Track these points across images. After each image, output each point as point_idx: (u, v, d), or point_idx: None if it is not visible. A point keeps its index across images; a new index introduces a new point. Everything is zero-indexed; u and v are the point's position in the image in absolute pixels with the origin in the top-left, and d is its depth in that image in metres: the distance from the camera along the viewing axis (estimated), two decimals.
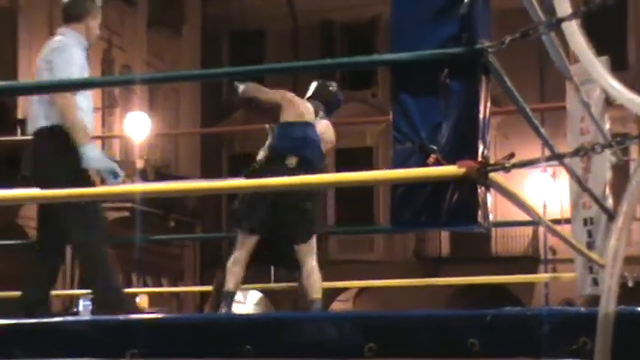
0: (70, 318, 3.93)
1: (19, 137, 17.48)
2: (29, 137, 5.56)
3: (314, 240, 6.25)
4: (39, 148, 5.45)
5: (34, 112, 5.47)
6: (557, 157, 3.64)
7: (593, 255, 4.63)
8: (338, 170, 24.53)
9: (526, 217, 3.67)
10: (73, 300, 20.63)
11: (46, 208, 5.51)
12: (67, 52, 5.42)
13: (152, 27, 24.91)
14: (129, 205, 21.19)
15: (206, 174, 25.23)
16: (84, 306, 20.34)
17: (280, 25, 28.86)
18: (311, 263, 6.20)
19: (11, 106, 18.66)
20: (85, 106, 5.42)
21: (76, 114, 5.30)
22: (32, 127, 5.51)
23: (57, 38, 5.58)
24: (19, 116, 18.93)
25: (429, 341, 2.86)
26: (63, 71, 5.31)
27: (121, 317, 3.70)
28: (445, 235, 27.62)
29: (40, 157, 5.44)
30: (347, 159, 25.15)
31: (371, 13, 28.70)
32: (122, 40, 23.87)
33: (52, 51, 5.47)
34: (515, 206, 3.20)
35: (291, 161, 6.11)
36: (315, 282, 6.18)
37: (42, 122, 5.40)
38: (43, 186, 4.95)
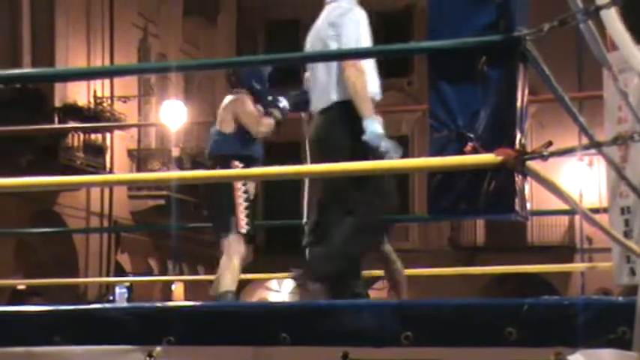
0: (107, 305, 3.95)
1: (56, 125, 17.64)
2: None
3: (232, 236, 6.20)
4: (327, 123, 5.23)
5: (323, 88, 5.28)
6: (595, 146, 3.61)
7: (631, 244, 4.60)
8: None
9: (562, 206, 3.64)
10: (109, 287, 20.80)
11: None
12: (355, 19, 5.26)
13: (187, 15, 24.98)
14: (164, 193, 21.29)
15: None
16: (119, 293, 20.51)
17: (315, 13, 28.81)
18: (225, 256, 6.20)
19: (48, 94, 18.77)
20: (369, 72, 5.19)
21: (366, 84, 5.11)
22: (321, 102, 5.28)
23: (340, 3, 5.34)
24: (57, 104, 19.06)
25: (465, 330, 2.85)
26: (354, 40, 5.15)
27: (158, 305, 3.73)
28: (480, 223, 27.52)
29: (328, 132, 5.21)
30: None
31: (405, 1, 28.57)
32: (158, 28, 23.95)
33: (339, 16, 5.30)
34: (553, 194, 3.18)
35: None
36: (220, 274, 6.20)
37: (333, 97, 5.20)
38: (325, 160, 4.69)
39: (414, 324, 2.91)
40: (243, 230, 6.21)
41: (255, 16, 29.19)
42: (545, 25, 2.80)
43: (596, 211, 5.00)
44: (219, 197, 6.25)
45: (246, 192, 6.26)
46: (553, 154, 2.85)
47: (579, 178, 24.50)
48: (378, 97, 5.26)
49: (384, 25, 29.42)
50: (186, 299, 21.21)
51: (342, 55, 4.75)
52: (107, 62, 21.19)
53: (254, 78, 6.47)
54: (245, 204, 6.24)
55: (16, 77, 4.31)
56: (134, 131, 22.39)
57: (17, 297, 16.88)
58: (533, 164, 2.84)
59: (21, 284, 16.77)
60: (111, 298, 20.03)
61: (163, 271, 22.19)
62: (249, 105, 6.38)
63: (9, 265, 17.80)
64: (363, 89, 5.10)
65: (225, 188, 6.20)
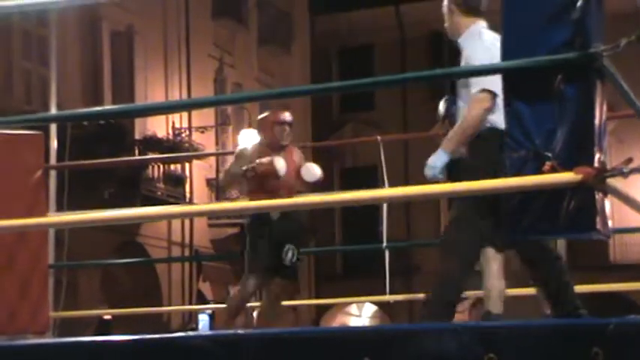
0: (190, 333, 4.00)
1: (137, 157, 17.92)
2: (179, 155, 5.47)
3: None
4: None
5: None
6: None
7: None
8: None
9: None
10: (192, 315, 20.98)
11: None
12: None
13: (262, 45, 25.19)
14: (243, 220, 21.43)
15: (318, 188, 25.37)
16: (202, 321, 20.66)
17: (388, 38, 28.83)
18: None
19: (129, 127, 19.10)
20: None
21: (475, 122, 4.63)
22: None
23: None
24: (137, 137, 19.37)
25: (551, 350, 2.81)
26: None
27: (239, 332, 3.75)
28: (560, 242, 27.10)
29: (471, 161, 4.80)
30: None
31: None
32: (233, 58, 24.20)
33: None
34: (635, 211, 3.13)
35: None
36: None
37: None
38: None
39: (497, 345, 2.88)
40: None
41: (329, 43, 29.32)
42: (622, 41, 2.77)
43: None
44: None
45: None
46: (634, 170, 2.81)
47: None
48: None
49: (455, 47, 29.33)
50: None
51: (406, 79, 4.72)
52: (184, 94, 21.48)
53: None
54: None
55: (100, 114, 4.38)
56: (212, 160, 22.63)
57: (103, 327, 17.14)
58: (613, 181, 2.81)
59: (107, 314, 17.03)
60: (194, 325, 20.20)
61: None
62: None
63: (95, 296, 18.10)
64: (469, 127, 4.63)
65: None
